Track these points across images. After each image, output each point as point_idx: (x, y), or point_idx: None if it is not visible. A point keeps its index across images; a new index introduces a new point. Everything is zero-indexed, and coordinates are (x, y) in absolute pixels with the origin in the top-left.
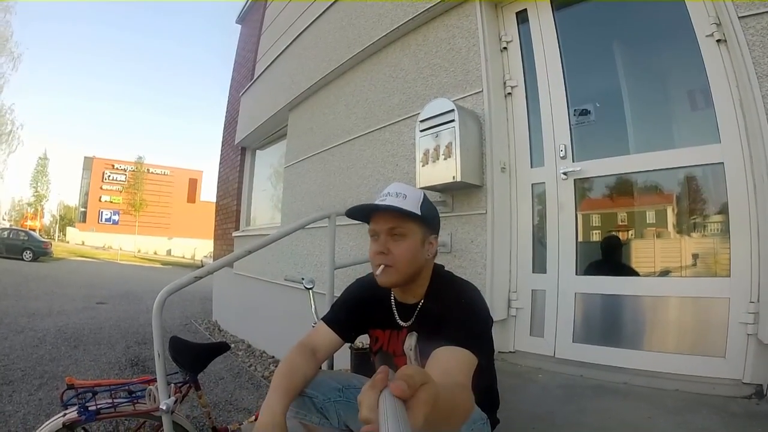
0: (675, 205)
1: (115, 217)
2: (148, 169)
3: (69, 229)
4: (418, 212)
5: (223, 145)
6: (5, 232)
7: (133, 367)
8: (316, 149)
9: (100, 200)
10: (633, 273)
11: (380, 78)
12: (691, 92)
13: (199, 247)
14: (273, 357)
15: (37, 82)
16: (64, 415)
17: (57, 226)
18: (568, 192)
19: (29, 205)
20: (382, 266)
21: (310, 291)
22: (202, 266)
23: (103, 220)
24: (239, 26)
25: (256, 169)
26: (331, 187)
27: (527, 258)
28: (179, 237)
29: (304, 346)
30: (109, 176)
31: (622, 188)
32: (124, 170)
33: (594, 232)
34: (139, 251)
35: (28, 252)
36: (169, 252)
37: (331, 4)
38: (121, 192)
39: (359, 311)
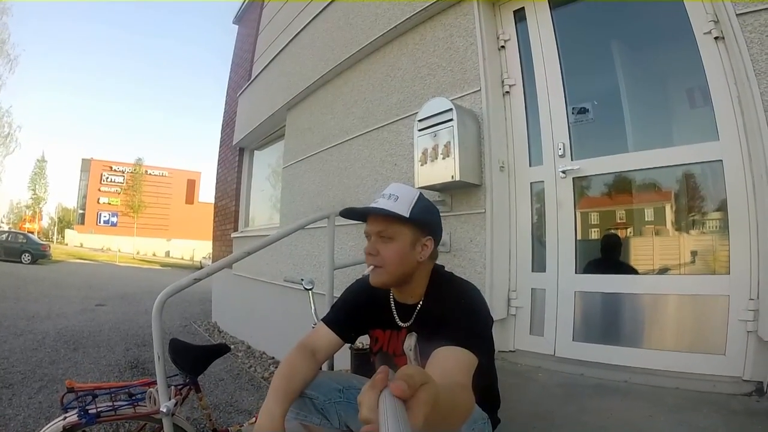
0: (674, 203)
1: (114, 219)
2: (146, 171)
3: (67, 232)
4: (406, 215)
5: (221, 146)
6: (3, 235)
7: (132, 369)
8: (314, 149)
9: (98, 202)
10: (632, 271)
11: (378, 77)
12: (689, 90)
13: (198, 249)
14: (273, 358)
15: (35, 82)
16: (65, 418)
17: (55, 228)
18: (567, 190)
19: (27, 207)
20: (372, 267)
21: (310, 292)
22: (201, 267)
23: (102, 222)
24: (236, 26)
25: (254, 169)
26: (330, 187)
27: (526, 257)
28: (178, 238)
29: (304, 347)
30: (108, 178)
31: (621, 186)
32: (123, 172)
33: (593, 230)
34: (137, 253)
35: (27, 254)
36: (167, 253)
37: (329, 4)
38: (119, 194)
39: (359, 312)
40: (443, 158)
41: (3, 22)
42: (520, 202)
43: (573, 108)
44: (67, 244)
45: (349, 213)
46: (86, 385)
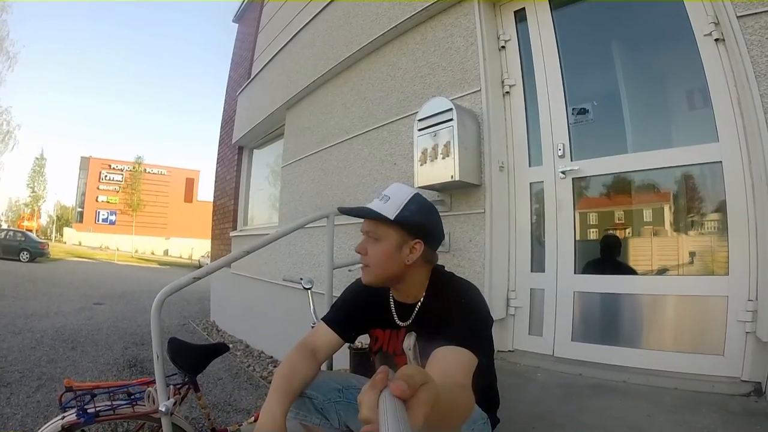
0: (673, 204)
1: (112, 218)
2: (145, 169)
3: (66, 230)
4: (392, 217)
5: (220, 145)
6: (2, 233)
7: (131, 368)
8: (313, 148)
9: (97, 200)
10: (631, 271)
11: (378, 77)
12: (689, 91)
13: (197, 247)
14: (271, 357)
15: (34, 80)
16: (63, 417)
17: (54, 226)
18: (567, 191)
19: (26, 205)
20: (362, 265)
21: (309, 291)
22: (200, 266)
23: (100, 220)
24: (236, 25)
25: (253, 168)
26: (329, 186)
27: (526, 257)
28: (176, 237)
29: (304, 347)
30: (106, 176)
31: (621, 187)
32: (121, 170)
33: (592, 230)
34: (136, 251)
35: (25, 253)
36: (166, 252)
37: (329, 3)
38: (118, 192)
39: (359, 311)
40: (443, 158)
41: (2, 19)
42: (520, 203)
43: (573, 108)
44: (65, 243)
45: (342, 212)
46: (85, 384)
